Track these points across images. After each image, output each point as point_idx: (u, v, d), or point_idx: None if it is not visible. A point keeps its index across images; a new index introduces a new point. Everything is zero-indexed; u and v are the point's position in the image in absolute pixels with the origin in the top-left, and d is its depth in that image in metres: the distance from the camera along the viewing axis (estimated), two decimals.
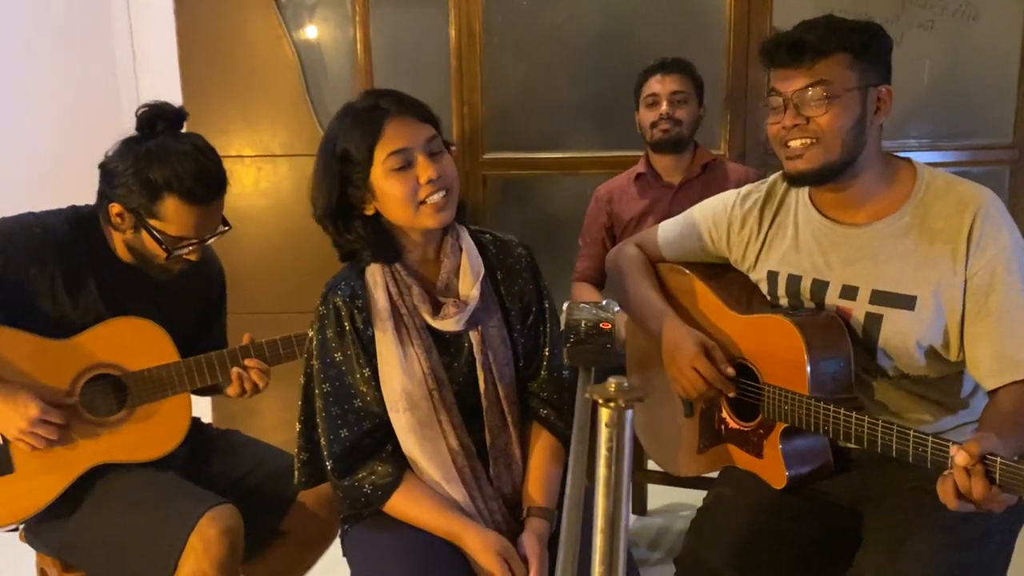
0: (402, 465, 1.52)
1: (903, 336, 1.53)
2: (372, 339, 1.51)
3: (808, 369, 1.51)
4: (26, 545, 1.86)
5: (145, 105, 1.77)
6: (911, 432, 1.33)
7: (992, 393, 1.47)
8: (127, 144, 1.74)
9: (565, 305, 1.15)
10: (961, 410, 1.59)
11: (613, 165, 3.00)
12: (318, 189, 1.51)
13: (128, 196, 1.71)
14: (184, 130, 1.81)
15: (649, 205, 2.62)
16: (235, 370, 1.85)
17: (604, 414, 0.57)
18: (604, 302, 1.11)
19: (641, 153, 2.77)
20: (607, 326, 1.03)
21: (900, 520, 1.49)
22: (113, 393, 1.81)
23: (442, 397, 1.50)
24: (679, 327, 1.71)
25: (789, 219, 1.69)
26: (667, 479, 2.58)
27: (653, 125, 2.57)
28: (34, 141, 3.24)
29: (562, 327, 1.10)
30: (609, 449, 0.54)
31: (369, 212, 1.50)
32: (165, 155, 1.70)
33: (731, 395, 1.65)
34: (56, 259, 1.74)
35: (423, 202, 1.46)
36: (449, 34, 3.02)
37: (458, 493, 1.49)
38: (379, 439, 1.53)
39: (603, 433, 0.56)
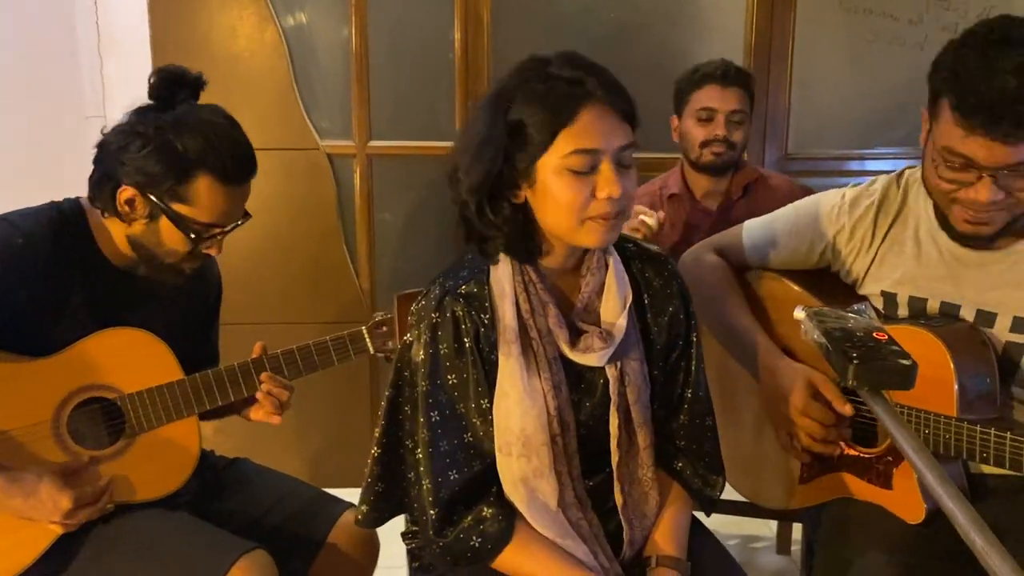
0: (512, 511, 1.26)
1: None
2: (495, 364, 1.24)
3: (956, 387, 1.33)
4: None
5: (160, 69, 1.49)
6: None
7: None
8: (142, 114, 1.46)
9: (801, 313, 0.91)
10: None
11: None
12: (473, 154, 1.20)
13: (146, 176, 1.42)
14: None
15: (685, 232, 2.33)
16: (262, 387, 1.60)
17: None
18: (857, 307, 0.90)
19: (665, 155, 2.57)
20: (883, 336, 0.80)
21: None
22: (106, 421, 1.53)
23: (565, 444, 1.24)
24: (779, 363, 1.51)
25: (908, 234, 1.50)
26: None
27: (704, 144, 2.26)
28: None
29: (815, 337, 0.86)
30: None
31: (518, 200, 1.22)
32: (197, 125, 1.43)
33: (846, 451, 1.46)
34: (42, 272, 1.45)
35: (591, 218, 1.18)
36: (454, 24, 2.79)
37: (577, 549, 1.24)
38: (487, 481, 1.26)
39: None
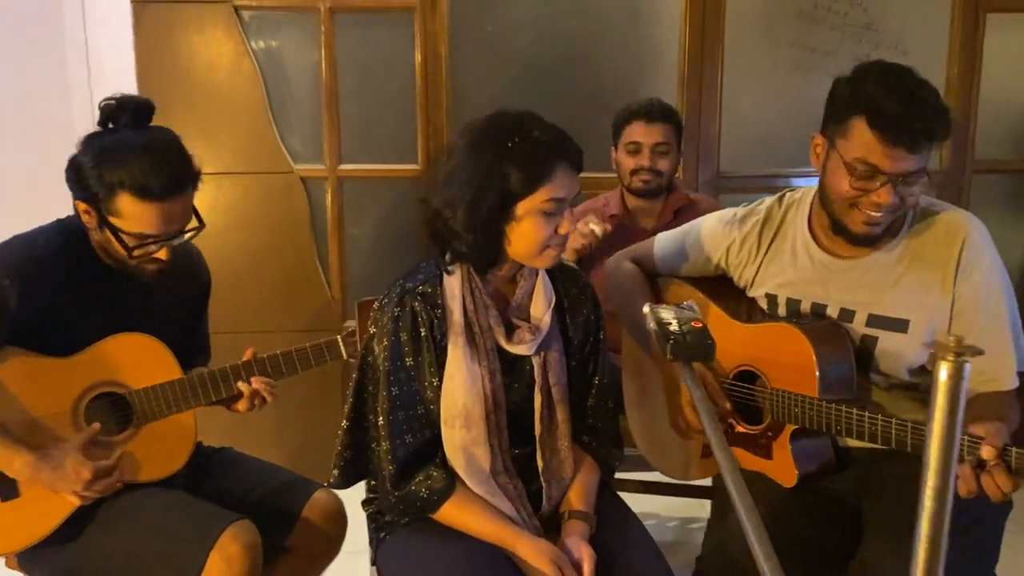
0: (454, 474, 1.54)
1: (896, 356, 1.66)
2: (445, 350, 1.52)
3: (818, 373, 1.61)
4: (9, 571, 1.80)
5: (109, 98, 1.72)
6: (924, 426, 1.44)
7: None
8: (88, 139, 1.70)
9: (647, 308, 1.21)
10: None
11: None
12: (471, 200, 1.44)
13: (87, 193, 1.66)
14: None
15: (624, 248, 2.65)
16: (240, 385, 1.83)
17: (945, 366, 0.63)
18: (685, 304, 1.18)
19: (604, 174, 2.85)
20: (698, 324, 1.09)
21: (899, 510, 1.60)
22: (116, 412, 1.77)
23: (497, 420, 1.52)
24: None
25: (787, 245, 1.79)
26: (641, 488, 2.65)
27: (633, 172, 2.57)
28: None
29: (651, 325, 1.15)
30: (950, 400, 0.60)
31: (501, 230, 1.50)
32: (121, 149, 1.64)
33: (733, 426, 1.75)
34: (58, 276, 1.70)
35: (547, 247, 1.48)
36: (415, 56, 3.07)
37: (505, 506, 1.52)
38: (435, 446, 1.55)
39: (942, 387, 0.62)
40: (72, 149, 3.13)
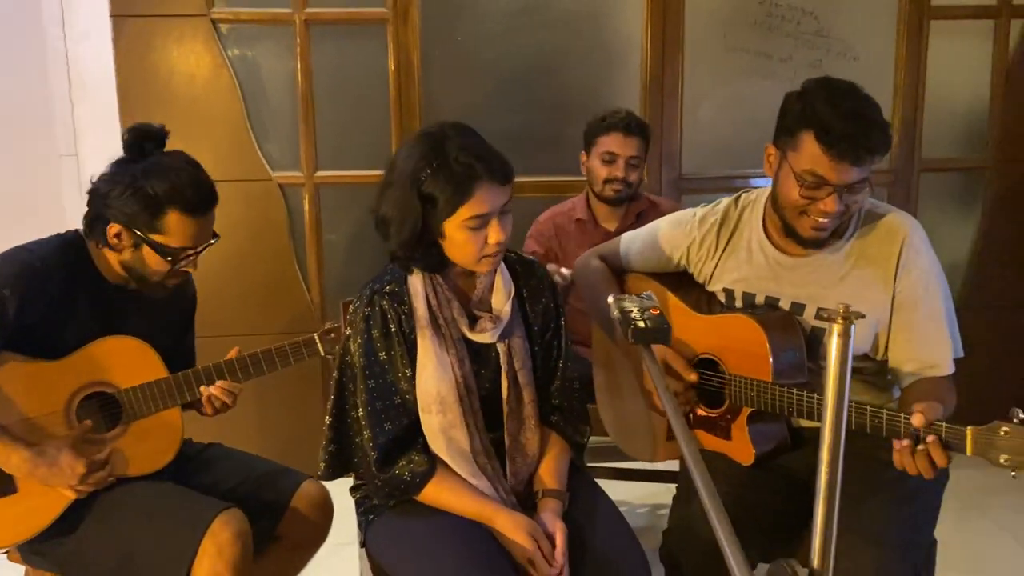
0: (434, 458, 1.66)
1: None
2: (415, 343, 1.64)
3: (771, 360, 1.75)
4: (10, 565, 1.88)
5: (130, 129, 1.84)
6: (868, 407, 1.59)
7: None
8: (120, 165, 1.81)
9: (611, 299, 1.33)
10: (888, 390, 1.87)
11: (544, 189, 3.23)
12: (398, 222, 1.59)
13: (127, 215, 1.77)
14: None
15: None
16: (202, 389, 1.92)
17: (837, 327, 0.76)
18: (644, 294, 1.31)
19: (571, 178, 2.98)
20: (656, 311, 1.22)
21: (853, 480, 1.74)
22: (107, 410, 1.87)
23: (470, 402, 1.64)
24: None
25: (743, 243, 1.92)
26: (612, 475, 2.78)
27: (606, 181, 2.70)
28: None
29: (615, 314, 1.28)
30: (841, 356, 0.73)
31: (431, 240, 1.62)
32: (163, 171, 1.77)
33: (694, 408, 1.89)
34: (55, 288, 1.80)
35: (483, 256, 1.60)
36: (388, 65, 3.18)
37: (482, 484, 1.64)
38: (414, 434, 1.66)
39: (835, 344, 0.74)
40: (54, 161, 3.23)
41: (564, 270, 2.41)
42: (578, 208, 2.81)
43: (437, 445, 1.64)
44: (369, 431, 1.63)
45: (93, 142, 3.11)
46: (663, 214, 2.77)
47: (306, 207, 3.24)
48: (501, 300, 1.69)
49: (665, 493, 3.10)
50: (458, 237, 1.58)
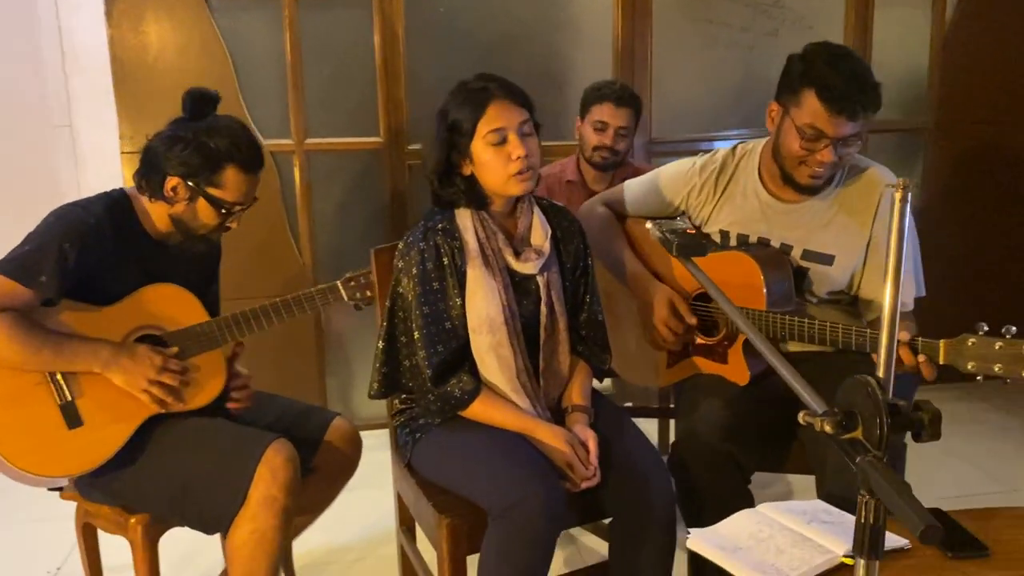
0: (479, 378, 1.84)
1: (822, 282, 2.05)
2: (464, 274, 1.82)
3: (765, 290, 1.97)
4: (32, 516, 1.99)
5: (189, 92, 1.97)
6: (853, 328, 1.83)
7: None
8: (179, 124, 1.95)
9: (649, 224, 1.53)
10: (861, 318, 2.12)
11: None
12: (430, 151, 1.84)
13: (188, 167, 1.91)
14: None
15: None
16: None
17: (898, 196, 0.96)
18: (679, 216, 1.51)
19: (549, 142, 3.15)
20: (692, 231, 1.43)
21: (829, 393, 1.98)
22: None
23: (514, 325, 1.83)
24: (649, 285, 2.15)
25: (739, 189, 2.14)
26: None
27: (596, 148, 2.87)
28: None
29: (656, 235, 1.48)
30: (902, 215, 0.93)
31: (467, 173, 1.82)
32: (223, 130, 1.93)
33: (694, 338, 2.10)
34: (108, 243, 1.92)
35: (512, 174, 1.78)
36: (374, 36, 3.32)
37: (522, 402, 1.83)
38: (462, 357, 1.84)
39: (896, 207, 0.94)
40: (48, 132, 3.29)
41: None
42: (568, 170, 3.00)
43: (487, 363, 1.83)
44: (424, 351, 1.81)
45: (87, 113, 3.18)
46: None
47: (296, 174, 3.36)
48: (541, 237, 1.88)
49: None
50: (485, 157, 1.78)
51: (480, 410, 1.82)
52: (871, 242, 2.02)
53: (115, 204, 1.98)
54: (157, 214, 2.00)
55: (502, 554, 1.65)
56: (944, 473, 3.16)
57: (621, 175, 2.97)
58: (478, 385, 1.83)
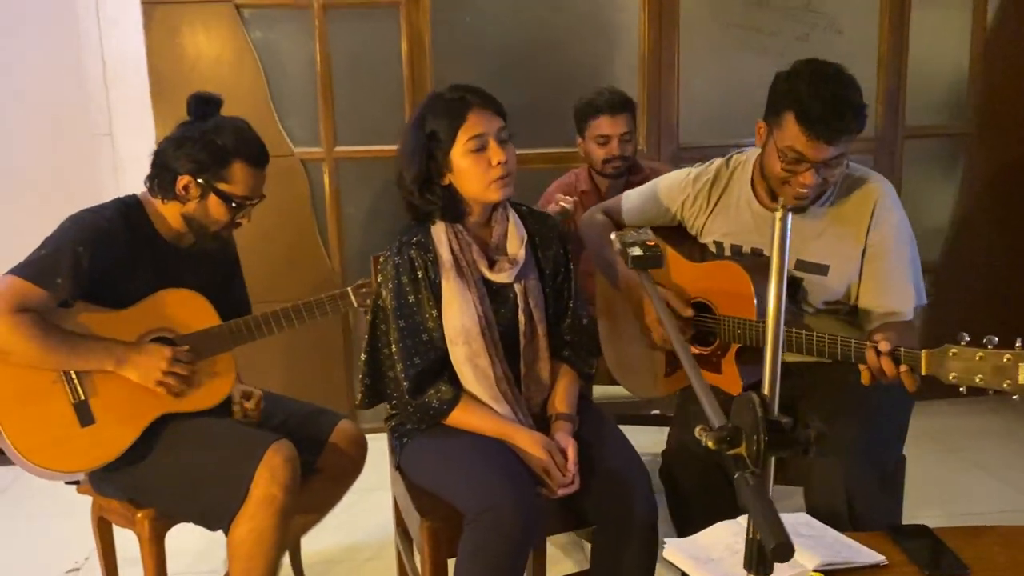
0: (459, 386, 1.88)
1: (817, 292, 2.03)
2: (439, 287, 1.86)
3: (755, 300, 1.97)
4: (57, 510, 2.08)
5: (193, 95, 2.08)
6: (839, 338, 1.81)
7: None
8: (187, 126, 2.05)
9: (613, 235, 1.55)
10: (862, 328, 2.09)
11: (550, 160, 3.45)
12: (407, 160, 1.86)
13: (197, 165, 1.99)
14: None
15: None
16: (237, 410, 2.17)
17: (779, 214, 0.98)
18: (641, 229, 1.53)
19: (575, 150, 3.19)
20: (652, 243, 1.44)
21: (827, 404, 1.98)
22: None
23: (491, 335, 1.86)
24: (641, 289, 2.13)
25: (732, 200, 2.14)
26: None
27: (605, 161, 2.83)
28: (4, 148, 3.41)
29: (617, 247, 1.50)
30: (782, 233, 0.95)
31: (445, 183, 1.86)
32: (228, 128, 2.02)
33: (688, 334, 2.11)
34: (120, 245, 2.01)
35: (492, 180, 1.82)
36: (401, 46, 3.39)
37: (502, 409, 1.86)
38: (440, 367, 1.88)
39: (777, 225, 0.96)
40: (90, 141, 3.43)
41: (568, 198, 2.64)
42: (582, 181, 3.00)
43: (464, 373, 1.86)
44: (401, 364, 1.85)
45: (126, 122, 3.33)
46: None
47: (326, 180, 3.46)
48: (516, 245, 1.91)
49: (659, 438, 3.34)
50: (464, 164, 1.81)
51: (460, 417, 1.86)
52: (866, 252, 1.99)
53: (129, 209, 2.08)
54: (170, 215, 2.08)
55: (475, 558, 1.69)
56: (978, 487, 3.08)
57: (637, 180, 2.97)
58: (457, 394, 1.87)
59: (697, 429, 1.01)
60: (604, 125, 2.82)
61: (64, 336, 1.93)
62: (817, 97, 1.84)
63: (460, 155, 1.82)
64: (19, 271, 1.92)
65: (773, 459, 0.96)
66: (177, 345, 2.06)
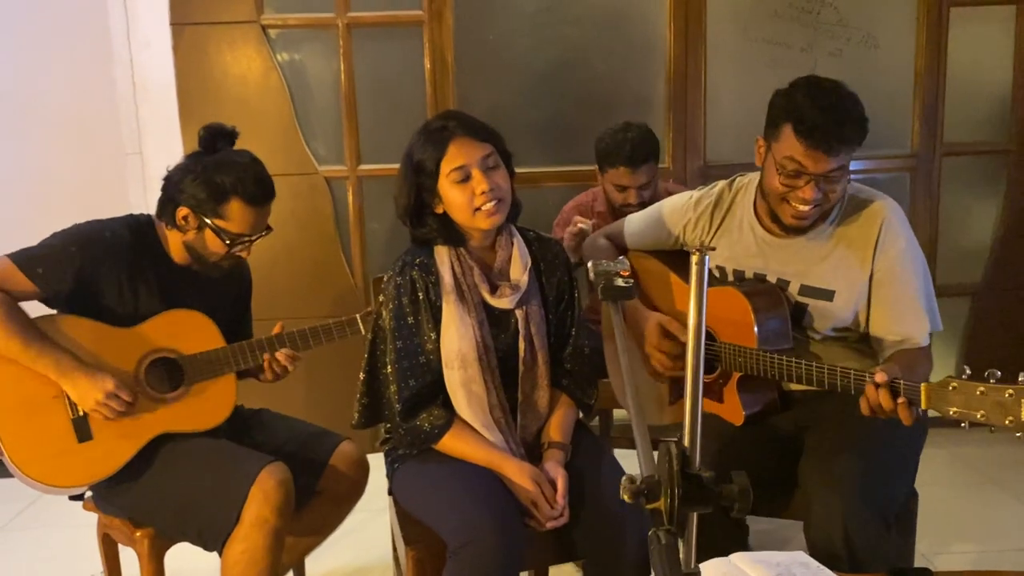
0: (452, 411, 1.86)
1: (823, 317, 1.96)
2: (439, 309, 1.85)
3: (756, 328, 1.91)
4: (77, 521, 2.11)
5: (206, 127, 2.09)
6: (839, 368, 1.74)
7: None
8: (193, 157, 2.07)
9: (590, 264, 1.52)
10: (874, 356, 2.01)
11: (571, 178, 3.41)
12: (400, 192, 1.88)
13: (195, 200, 2.01)
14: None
15: None
16: (265, 357, 2.15)
17: (695, 257, 0.94)
18: (618, 259, 1.49)
19: (591, 167, 3.15)
20: (626, 272, 1.41)
21: (832, 438, 1.91)
22: (171, 373, 2.10)
23: (488, 360, 1.84)
24: (639, 316, 2.12)
25: (735, 224, 2.08)
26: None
27: (622, 206, 2.74)
28: (39, 165, 3.51)
29: (591, 276, 1.47)
30: (700, 276, 0.91)
31: (439, 211, 1.85)
32: (230, 165, 2.02)
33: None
34: (122, 260, 2.04)
35: (478, 208, 1.80)
36: (424, 64, 3.39)
37: (494, 437, 1.84)
38: (435, 391, 1.86)
39: (694, 267, 0.93)
40: (120, 159, 3.51)
41: (585, 220, 2.60)
42: (599, 201, 2.96)
43: (458, 398, 1.84)
44: (395, 385, 1.84)
45: (156, 141, 3.39)
46: None
47: (350, 198, 3.47)
48: (519, 271, 1.89)
49: None
50: (451, 195, 1.81)
51: (450, 443, 1.84)
52: (874, 277, 1.92)
53: (139, 226, 2.11)
54: (173, 241, 2.11)
55: None
56: (1017, 522, 2.95)
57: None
58: (450, 419, 1.85)
59: (623, 479, 0.96)
60: (624, 176, 2.74)
61: (25, 328, 1.95)
62: (815, 107, 1.80)
63: (446, 186, 1.81)
64: (11, 254, 1.97)
65: (695, 515, 0.91)
66: (180, 366, 2.08)
